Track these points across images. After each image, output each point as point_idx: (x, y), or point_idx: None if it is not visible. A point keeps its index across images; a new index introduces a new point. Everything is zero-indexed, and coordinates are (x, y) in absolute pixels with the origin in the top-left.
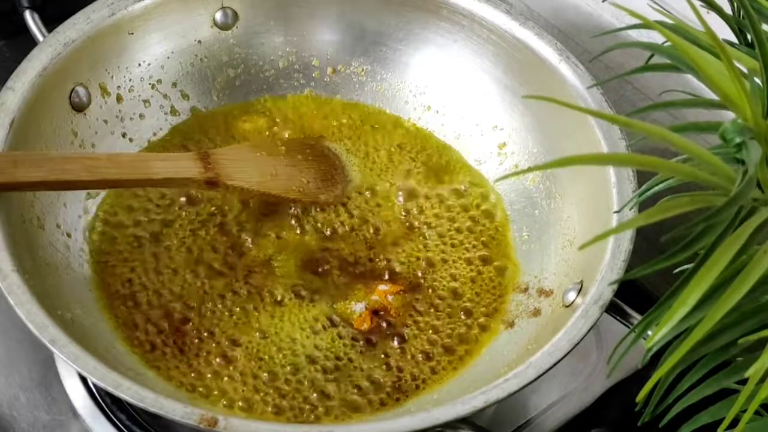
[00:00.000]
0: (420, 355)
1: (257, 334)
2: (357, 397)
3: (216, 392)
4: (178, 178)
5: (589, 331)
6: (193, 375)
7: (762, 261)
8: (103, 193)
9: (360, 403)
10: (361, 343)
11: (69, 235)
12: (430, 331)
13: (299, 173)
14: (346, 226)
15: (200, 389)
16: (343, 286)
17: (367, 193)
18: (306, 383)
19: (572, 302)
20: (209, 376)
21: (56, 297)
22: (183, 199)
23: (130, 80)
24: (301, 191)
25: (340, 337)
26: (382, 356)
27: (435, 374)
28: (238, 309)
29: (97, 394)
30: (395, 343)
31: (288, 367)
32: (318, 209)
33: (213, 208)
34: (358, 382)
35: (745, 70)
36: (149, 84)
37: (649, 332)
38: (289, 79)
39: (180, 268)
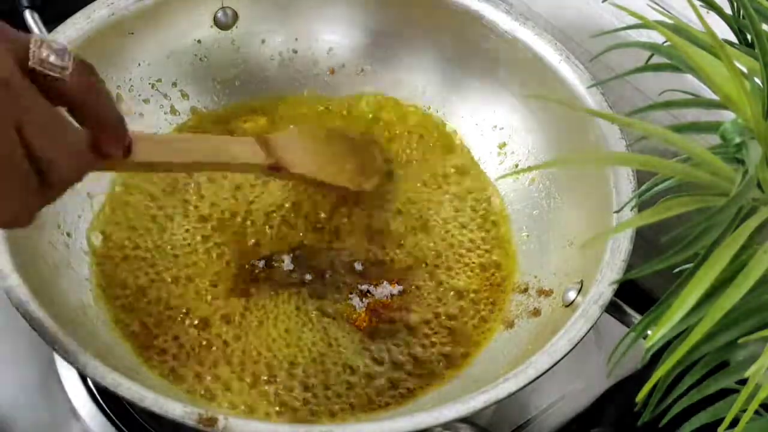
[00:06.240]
0: (419, 355)
1: (257, 333)
2: (357, 397)
3: (216, 391)
4: (248, 164)
5: (589, 331)
6: (193, 375)
7: (762, 261)
8: (102, 192)
9: (360, 402)
10: (361, 342)
11: (69, 235)
12: (430, 331)
13: (345, 162)
14: (348, 225)
15: (200, 389)
16: (343, 285)
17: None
18: (305, 383)
19: (572, 302)
20: (209, 375)
21: (56, 297)
22: (185, 198)
23: (129, 80)
24: (350, 179)
25: (340, 336)
26: (382, 356)
27: (435, 374)
28: (238, 308)
29: (97, 394)
30: (395, 343)
31: (287, 366)
32: (321, 211)
33: (214, 207)
34: (357, 382)
35: (745, 70)
36: (149, 83)
37: (649, 332)
38: (289, 79)
39: (180, 268)
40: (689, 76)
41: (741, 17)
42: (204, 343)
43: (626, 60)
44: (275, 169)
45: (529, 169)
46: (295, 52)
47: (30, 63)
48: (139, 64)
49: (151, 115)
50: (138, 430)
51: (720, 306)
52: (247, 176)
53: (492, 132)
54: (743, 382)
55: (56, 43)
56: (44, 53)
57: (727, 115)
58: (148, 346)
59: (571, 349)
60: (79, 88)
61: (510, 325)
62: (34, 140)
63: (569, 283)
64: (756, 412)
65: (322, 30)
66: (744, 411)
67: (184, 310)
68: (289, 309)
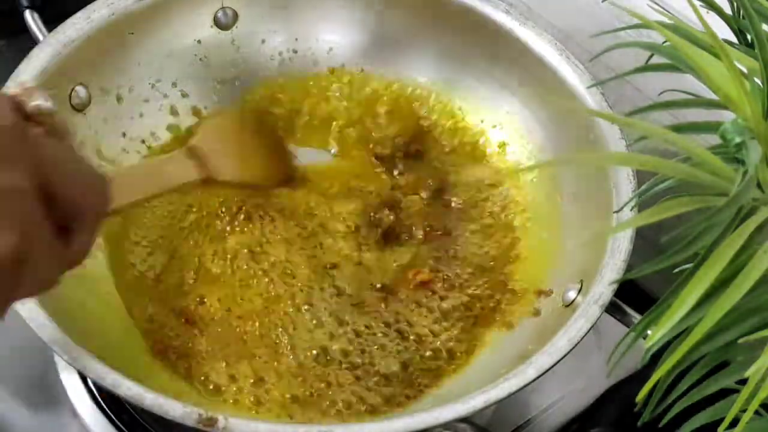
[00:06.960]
0: (420, 354)
1: (260, 333)
2: (357, 398)
3: (213, 388)
4: (184, 184)
5: (589, 331)
6: (191, 372)
7: (762, 261)
8: None
9: (360, 403)
10: (362, 343)
11: None
12: (430, 330)
13: (259, 157)
14: (349, 225)
15: (198, 386)
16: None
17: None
18: (304, 382)
19: (572, 302)
20: (205, 373)
21: (56, 296)
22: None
23: (129, 80)
24: (262, 176)
25: (341, 336)
26: (382, 356)
27: (435, 374)
28: (242, 307)
29: (97, 394)
30: (396, 343)
31: (286, 366)
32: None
33: (223, 199)
34: (357, 382)
35: (745, 70)
36: (149, 84)
37: (649, 332)
38: (289, 79)
39: (184, 265)
40: (689, 76)
41: (741, 17)
42: (200, 338)
43: (626, 60)
44: (207, 183)
45: (529, 168)
46: (295, 52)
47: (27, 109)
48: (139, 64)
49: (150, 115)
50: (138, 430)
51: (720, 306)
52: None
53: (492, 132)
54: (743, 382)
55: (39, 89)
56: (37, 100)
57: (727, 115)
58: (150, 344)
59: (571, 349)
60: (63, 132)
61: (510, 325)
62: (58, 183)
63: (569, 283)
64: (756, 412)
65: (322, 30)
66: (744, 411)
67: (184, 310)
68: (288, 305)
